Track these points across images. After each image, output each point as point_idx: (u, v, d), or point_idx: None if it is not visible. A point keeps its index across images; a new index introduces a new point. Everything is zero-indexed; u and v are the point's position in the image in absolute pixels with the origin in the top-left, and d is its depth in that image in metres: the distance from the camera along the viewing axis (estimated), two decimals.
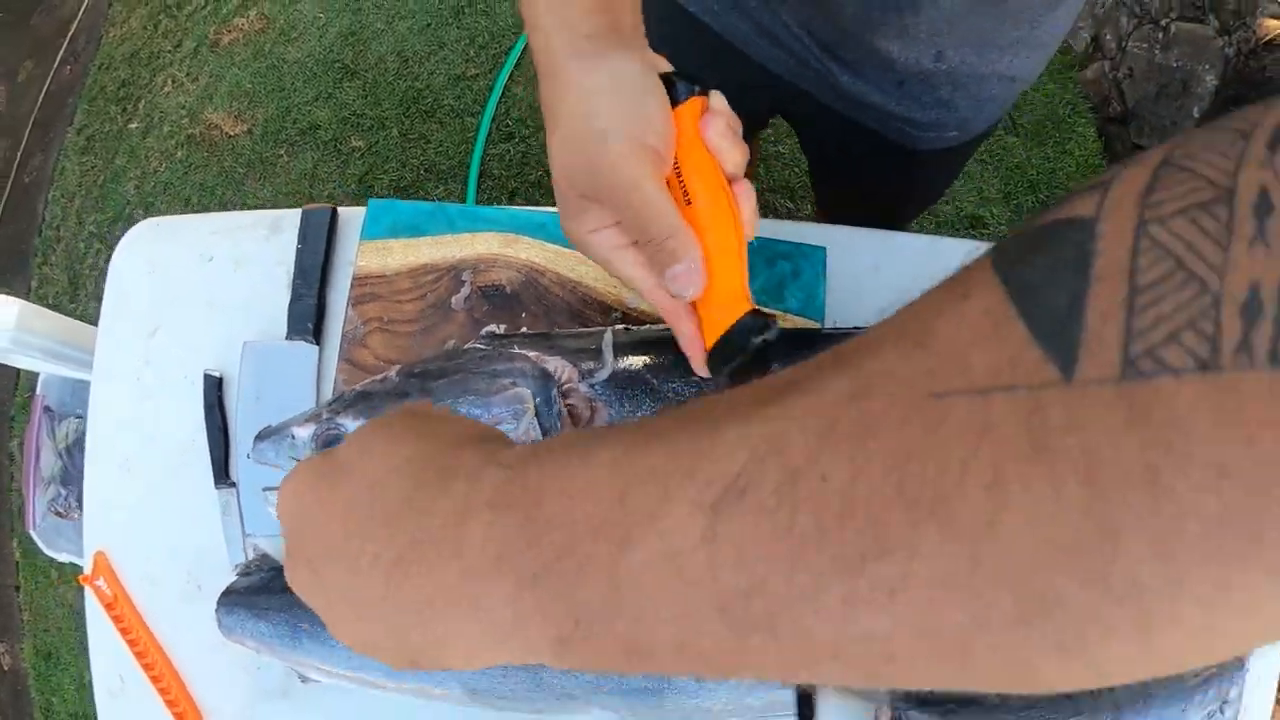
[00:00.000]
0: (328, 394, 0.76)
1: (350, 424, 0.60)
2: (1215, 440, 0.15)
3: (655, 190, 0.44)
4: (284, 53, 2.21)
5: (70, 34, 2.61)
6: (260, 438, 0.64)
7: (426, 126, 2.06)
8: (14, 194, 2.51)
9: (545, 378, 0.60)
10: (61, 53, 2.60)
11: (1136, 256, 0.17)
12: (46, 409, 1.65)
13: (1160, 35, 1.75)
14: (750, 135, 1.18)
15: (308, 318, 0.79)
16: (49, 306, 2.32)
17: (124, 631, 0.86)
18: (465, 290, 0.72)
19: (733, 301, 0.46)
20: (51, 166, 2.46)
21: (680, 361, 0.61)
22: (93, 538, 0.89)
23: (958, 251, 0.85)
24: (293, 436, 0.61)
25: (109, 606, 0.87)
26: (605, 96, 0.45)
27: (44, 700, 2.05)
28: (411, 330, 0.72)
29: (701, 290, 0.45)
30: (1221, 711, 0.71)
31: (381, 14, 2.17)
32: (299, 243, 0.82)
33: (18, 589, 2.14)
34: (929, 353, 0.19)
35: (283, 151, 2.13)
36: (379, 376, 0.63)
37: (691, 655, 0.22)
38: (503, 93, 2.03)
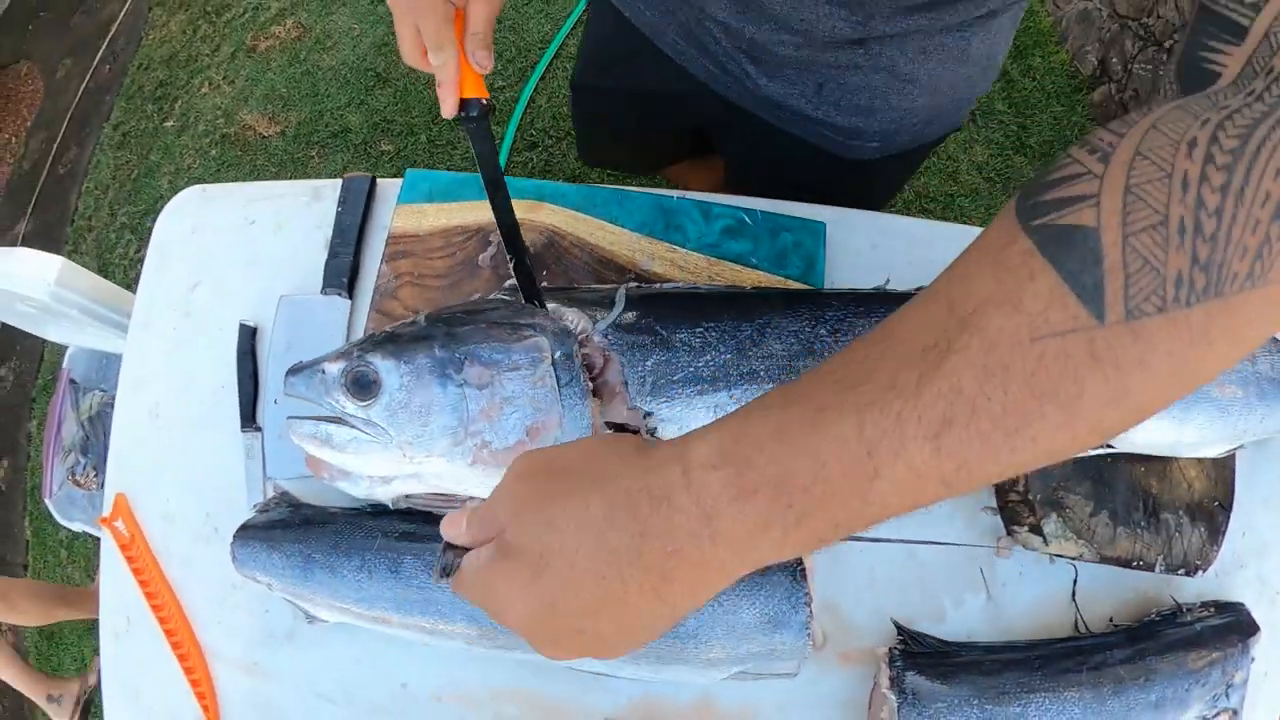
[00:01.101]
0: None
1: (379, 361, 0.64)
2: (1165, 340, 0.32)
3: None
4: (319, 60, 2.29)
5: (110, 35, 2.70)
6: (292, 372, 0.68)
7: (454, 134, 2.14)
8: (48, 184, 2.59)
9: (565, 334, 0.64)
10: (101, 52, 2.69)
11: (1125, 255, 0.32)
12: (72, 381, 1.70)
13: (1165, 57, 1.80)
14: (673, 149, 1.21)
15: (343, 273, 0.84)
16: None
17: (137, 572, 0.90)
18: (491, 249, 0.77)
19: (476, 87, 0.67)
20: (87, 160, 2.53)
21: (687, 315, 0.65)
22: (115, 480, 0.93)
23: (948, 236, 0.92)
24: (323, 371, 0.66)
25: (124, 547, 0.90)
26: None
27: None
28: (440, 285, 0.78)
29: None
30: (1227, 696, 0.73)
31: None
32: (338, 206, 0.88)
33: (26, 568, 2.17)
34: (1023, 314, 0.32)
35: (314, 153, 2.20)
36: (407, 320, 0.68)
37: (913, 507, 0.36)
38: (527, 104, 2.11)
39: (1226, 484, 0.79)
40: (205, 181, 2.29)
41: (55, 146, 2.63)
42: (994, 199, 1.96)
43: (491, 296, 0.70)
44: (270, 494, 0.84)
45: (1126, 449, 0.73)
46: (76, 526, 1.59)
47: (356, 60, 2.26)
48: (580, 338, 0.65)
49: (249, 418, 0.86)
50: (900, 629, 0.77)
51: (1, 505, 2.25)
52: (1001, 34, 0.76)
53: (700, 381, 0.64)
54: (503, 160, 2.07)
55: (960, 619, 0.80)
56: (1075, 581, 0.81)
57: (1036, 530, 0.76)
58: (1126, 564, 0.75)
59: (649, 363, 0.64)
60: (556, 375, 0.62)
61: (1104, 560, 0.75)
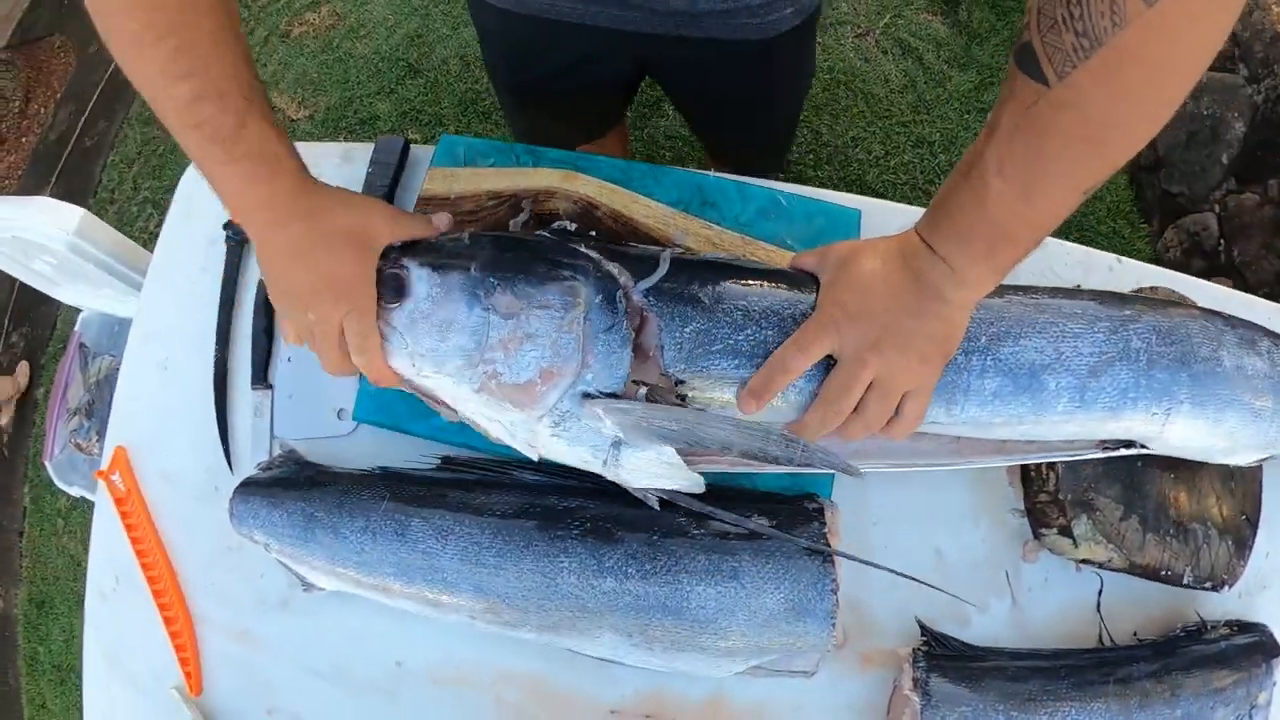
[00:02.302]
0: None
1: (414, 268, 0.61)
2: (1087, 79, 0.50)
3: None
4: (351, 48, 2.28)
5: None
6: None
7: (483, 127, 2.12)
8: (73, 156, 2.57)
9: (609, 279, 0.61)
10: None
11: (1044, 46, 0.50)
12: (82, 345, 1.67)
13: None
14: (619, 106, 1.22)
15: None
16: None
17: (130, 529, 0.86)
18: (523, 216, 0.74)
19: None
20: (114, 134, 2.52)
21: (731, 288, 0.62)
22: (116, 433, 0.90)
23: None
24: None
25: (119, 502, 0.87)
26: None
27: (30, 649, 2.02)
28: None
29: None
30: (1250, 716, 0.71)
31: (448, 20, 2.25)
32: (369, 167, 0.85)
33: (21, 534, 2.13)
34: (1014, 98, 0.53)
35: (341, 138, 2.18)
36: (453, 234, 0.65)
37: (1027, 228, 0.57)
38: None
39: (1254, 499, 0.78)
40: None
41: (84, 119, 2.62)
42: None
43: (538, 233, 0.67)
44: (281, 447, 0.81)
45: (1160, 450, 0.71)
46: (75, 491, 1.55)
47: (389, 50, 2.25)
48: (622, 290, 0.62)
49: (260, 375, 0.82)
50: (925, 629, 0.74)
51: (2, 470, 2.21)
52: None
53: (739, 356, 0.61)
54: None
55: (985, 624, 0.77)
56: (1100, 592, 0.78)
57: (1066, 532, 0.74)
58: (1155, 573, 0.74)
59: (687, 330, 0.61)
60: (593, 321, 0.59)
61: (1133, 567, 0.74)
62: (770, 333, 0.61)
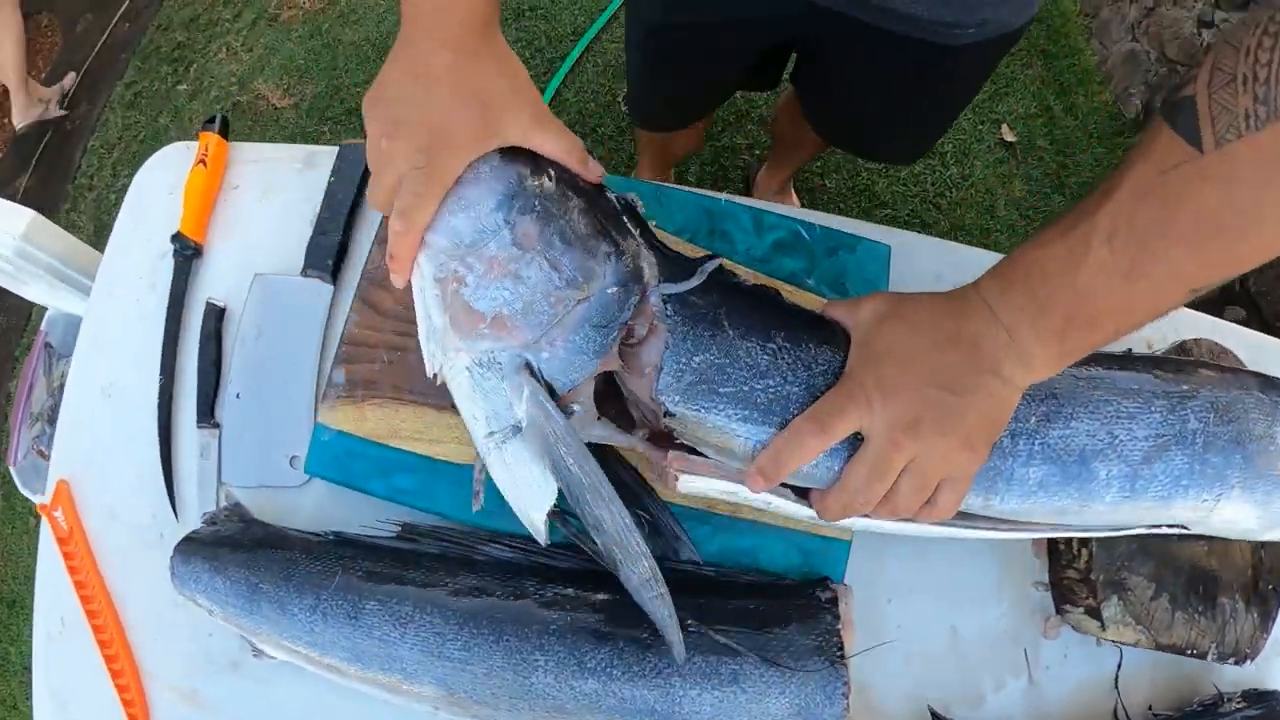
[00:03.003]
0: (336, 338, 0.67)
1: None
2: (1248, 155, 0.43)
3: None
4: (340, 34, 2.17)
5: None
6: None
7: None
8: (54, 139, 2.46)
9: (635, 275, 0.51)
10: (123, 9, 2.56)
11: (1210, 105, 0.44)
12: (48, 345, 1.56)
13: None
14: (739, 84, 1.14)
15: (328, 254, 0.71)
16: None
17: (73, 571, 0.77)
18: None
19: None
20: (95, 118, 2.41)
21: (762, 323, 0.53)
22: (60, 464, 0.80)
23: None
24: None
25: (62, 541, 0.78)
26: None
27: (0, 649, 1.93)
28: None
29: None
30: None
31: None
32: (331, 176, 0.74)
33: None
34: (1153, 157, 0.46)
35: (326, 129, 2.07)
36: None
37: (1114, 313, 0.48)
38: (554, 97, 1.98)
39: None
40: None
41: (66, 101, 2.50)
42: (1030, 236, 1.84)
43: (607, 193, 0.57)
44: (223, 502, 0.71)
45: (1200, 531, 0.66)
46: (38, 498, 1.45)
47: (379, 37, 2.14)
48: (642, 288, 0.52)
49: (206, 412, 0.72)
50: (935, 716, 0.67)
51: None
52: None
53: (749, 408, 0.51)
54: None
55: (999, 703, 0.71)
56: (1119, 666, 0.73)
57: (1094, 613, 0.69)
58: (1180, 651, 0.70)
59: (696, 359, 0.51)
60: (589, 310, 0.50)
61: (1159, 648, 0.70)
62: (794, 389, 0.52)
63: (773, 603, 0.57)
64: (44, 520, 0.79)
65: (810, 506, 0.54)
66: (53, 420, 1.57)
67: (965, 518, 0.57)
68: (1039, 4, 0.84)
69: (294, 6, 2.28)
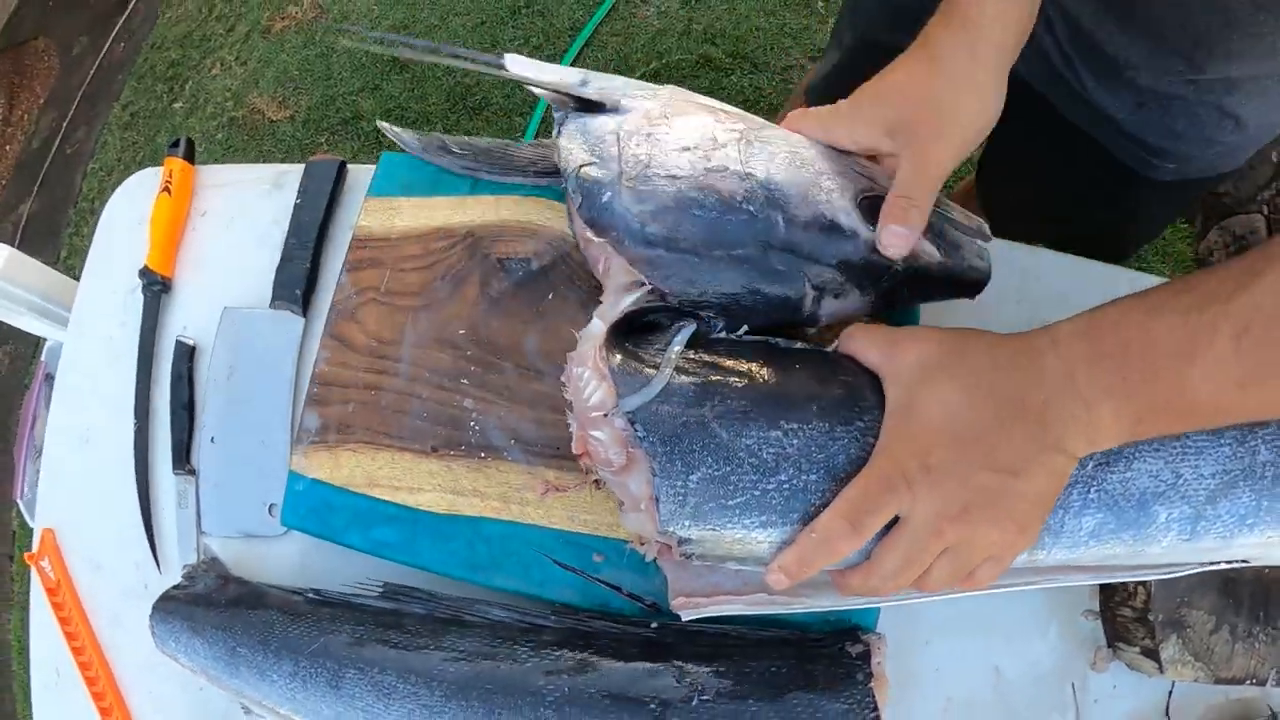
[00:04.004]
0: (308, 373, 0.62)
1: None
2: None
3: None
4: (334, 42, 2.12)
5: (128, 12, 2.54)
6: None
7: (472, 124, 1.95)
8: (55, 164, 2.44)
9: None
10: (117, 30, 2.53)
11: None
12: (48, 376, 1.53)
13: None
14: None
15: (296, 283, 0.65)
16: (74, 278, 2.22)
17: (63, 622, 0.74)
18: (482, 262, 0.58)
19: None
20: (94, 140, 2.38)
21: (760, 405, 0.45)
22: (45, 512, 0.77)
23: (1063, 269, 0.72)
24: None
25: (51, 591, 0.74)
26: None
27: (23, 677, 1.92)
28: (412, 305, 0.58)
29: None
30: None
31: (436, 9, 2.08)
32: (298, 198, 0.69)
33: (12, 558, 2.03)
34: None
35: (323, 140, 2.02)
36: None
37: (1212, 413, 0.42)
38: None
39: None
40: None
41: (65, 125, 2.47)
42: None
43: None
44: (203, 553, 0.66)
45: (1262, 564, 0.59)
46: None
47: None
48: (598, 415, 0.45)
49: (181, 457, 0.67)
50: None
51: None
52: None
53: (767, 512, 0.44)
54: None
55: None
56: (1170, 695, 0.67)
57: (1151, 654, 0.63)
58: (1239, 682, 0.65)
59: (693, 478, 0.43)
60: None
61: (1218, 682, 0.65)
62: (814, 478, 0.44)
63: (796, 662, 0.51)
64: (33, 571, 0.76)
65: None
66: None
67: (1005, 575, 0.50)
68: (1247, 155, 0.80)
69: (286, 17, 2.23)
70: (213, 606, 0.59)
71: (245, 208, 0.75)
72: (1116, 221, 0.94)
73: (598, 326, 0.46)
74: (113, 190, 2.33)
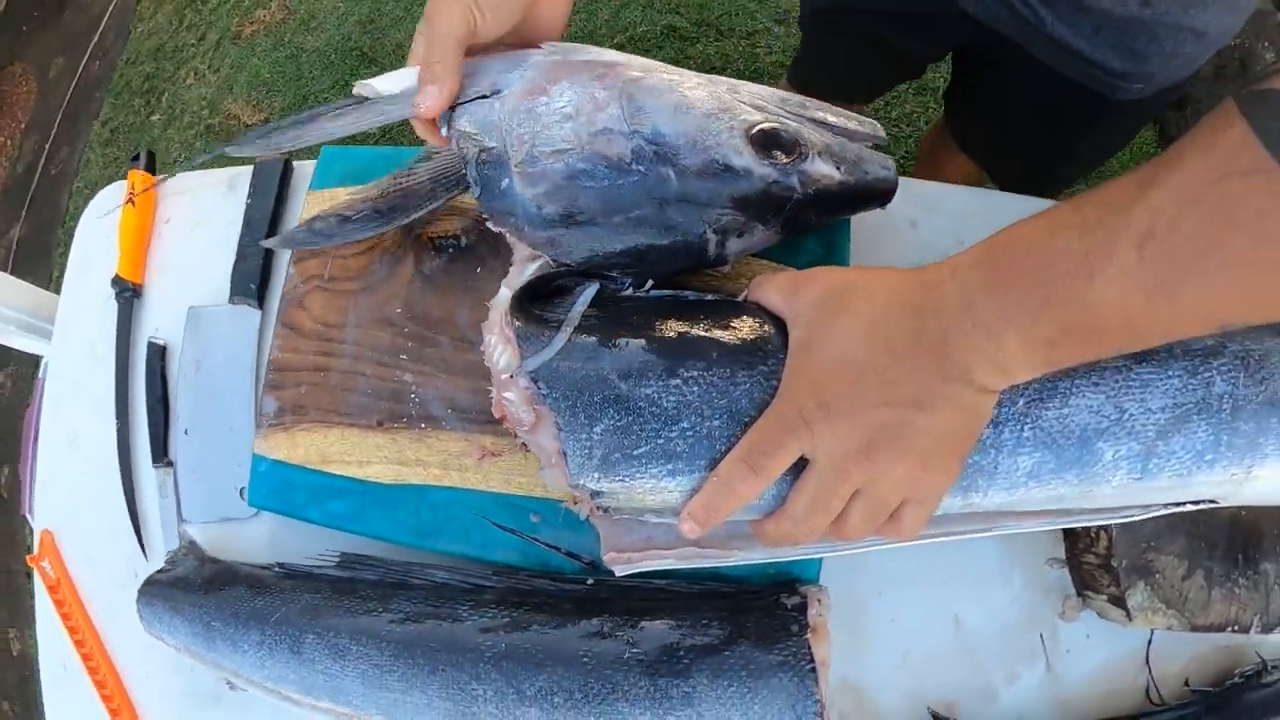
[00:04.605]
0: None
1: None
2: None
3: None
4: (303, 42, 2.17)
5: (100, 30, 2.60)
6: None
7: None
8: (41, 185, 2.50)
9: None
10: (91, 48, 2.59)
11: None
12: None
13: None
14: (900, 78, 1.16)
15: (251, 278, 0.70)
16: None
17: (65, 618, 0.80)
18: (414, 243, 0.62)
19: None
20: (77, 159, 2.44)
21: (659, 358, 0.47)
22: (43, 515, 0.82)
23: (1008, 207, 0.73)
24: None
25: (52, 590, 0.80)
26: None
27: None
28: (352, 288, 0.63)
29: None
30: None
31: (401, 2, 2.12)
32: (248, 198, 0.74)
33: (29, 575, 2.11)
34: (1216, 154, 0.37)
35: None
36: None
37: (1123, 332, 0.41)
38: None
39: None
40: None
41: (48, 147, 2.54)
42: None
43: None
44: (182, 538, 0.71)
45: (1231, 504, 0.57)
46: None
47: (341, 40, 2.13)
48: (506, 376, 0.49)
49: (160, 451, 0.73)
50: (936, 718, 0.62)
51: (3, 512, 2.18)
52: None
53: (673, 459, 0.46)
54: None
55: (1014, 697, 0.65)
56: (1150, 642, 0.66)
57: (1118, 602, 0.62)
58: (1220, 629, 0.64)
59: (597, 430, 0.46)
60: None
61: (1195, 629, 0.63)
62: (717, 423, 0.46)
63: (730, 614, 0.54)
64: (34, 571, 0.81)
65: None
66: None
67: (940, 522, 0.51)
68: (1209, 57, 0.80)
69: (255, 21, 2.28)
70: (190, 587, 0.64)
71: (205, 212, 0.79)
72: (1088, 144, 0.95)
73: (504, 295, 0.50)
74: None
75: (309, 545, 0.67)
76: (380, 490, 0.60)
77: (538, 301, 0.50)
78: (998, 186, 1.15)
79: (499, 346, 0.48)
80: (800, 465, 0.45)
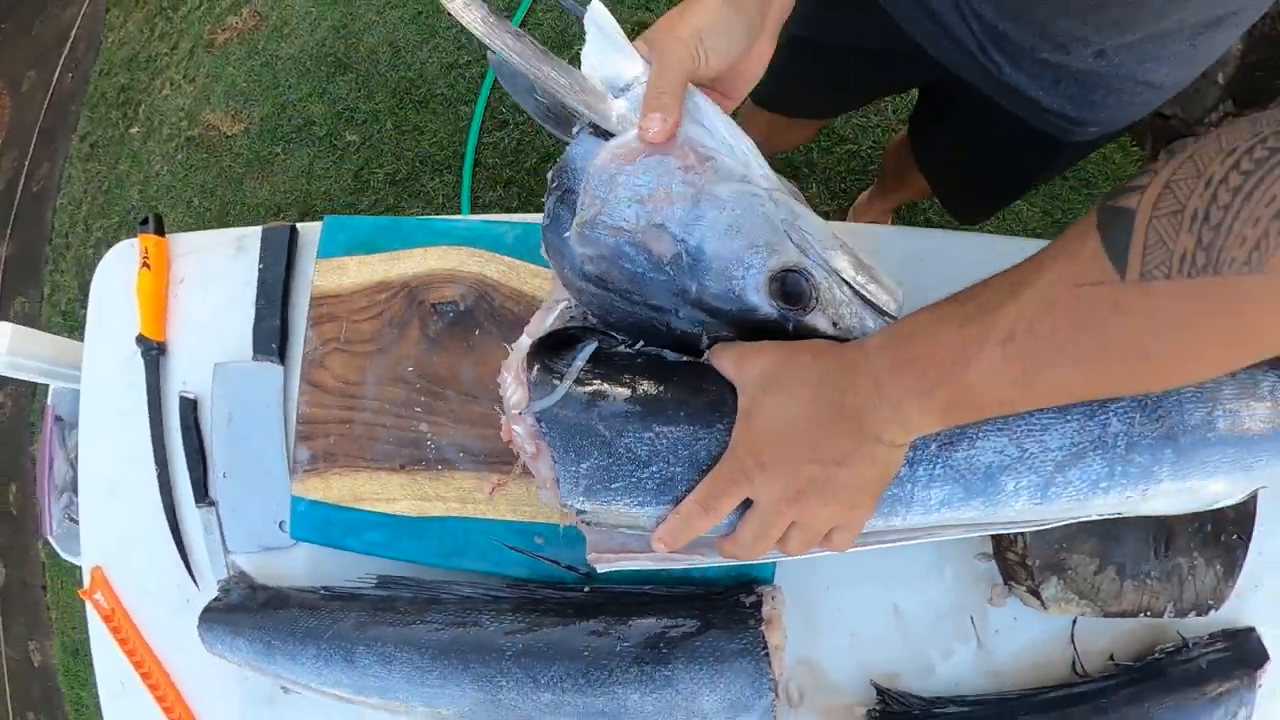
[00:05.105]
0: (294, 414, 0.78)
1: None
2: (1168, 301, 0.40)
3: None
4: (277, 49, 2.21)
5: (70, 41, 2.63)
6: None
7: (420, 117, 2.06)
8: (24, 203, 2.55)
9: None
10: (63, 60, 2.62)
11: (1148, 232, 0.40)
12: (58, 419, 1.69)
13: None
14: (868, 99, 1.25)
15: (272, 338, 0.81)
16: (61, 312, 2.36)
17: (121, 642, 0.90)
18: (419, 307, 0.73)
19: None
20: (58, 174, 2.49)
21: (637, 412, 0.56)
22: (90, 553, 0.93)
23: (952, 246, 0.86)
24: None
25: (106, 618, 0.91)
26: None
27: (74, 695, 2.13)
28: (368, 350, 0.74)
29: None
30: None
31: (373, 4, 2.16)
32: (260, 263, 0.84)
33: (45, 589, 2.22)
34: (1073, 265, 0.43)
35: (279, 149, 2.14)
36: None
37: (999, 405, 0.49)
38: (495, 80, 2.03)
39: (1249, 515, 0.74)
40: (174, 189, 2.25)
41: (27, 163, 2.59)
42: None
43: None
44: (230, 570, 0.83)
45: (1135, 515, 0.65)
46: (80, 561, 1.60)
47: (315, 46, 2.18)
48: (513, 411, 0.60)
49: (201, 493, 0.84)
50: (878, 689, 0.74)
51: (16, 530, 2.29)
52: (1231, 34, 0.73)
53: (643, 494, 0.57)
54: (471, 143, 2.00)
55: (950, 670, 0.77)
56: (1075, 621, 0.76)
57: (1035, 593, 0.72)
58: (1133, 615, 0.72)
59: (583, 466, 0.56)
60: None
61: (1108, 615, 0.72)
62: (679, 469, 0.56)
63: (700, 611, 0.67)
64: (88, 602, 0.92)
65: None
66: (76, 489, 1.72)
67: (869, 538, 0.60)
68: (1146, 111, 0.86)
69: (228, 28, 2.32)
70: (247, 611, 0.75)
71: (216, 271, 0.89)
72: (1040, 180, 1.05)
73: (524, 342, 0.60)
74: (85, 223, 2.44)
75: (344, 568, 0.78)
76: (408, 522, 0.71)
77: (550, 351, 0.60)
78: (943, 207, 1.25)
79: (513, 386, 0.58)
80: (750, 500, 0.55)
